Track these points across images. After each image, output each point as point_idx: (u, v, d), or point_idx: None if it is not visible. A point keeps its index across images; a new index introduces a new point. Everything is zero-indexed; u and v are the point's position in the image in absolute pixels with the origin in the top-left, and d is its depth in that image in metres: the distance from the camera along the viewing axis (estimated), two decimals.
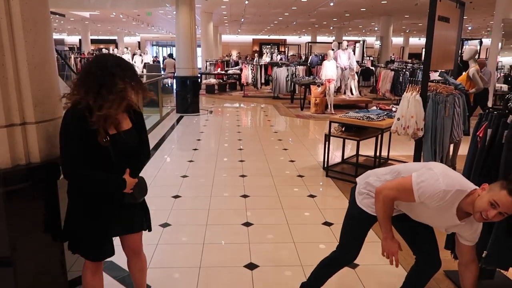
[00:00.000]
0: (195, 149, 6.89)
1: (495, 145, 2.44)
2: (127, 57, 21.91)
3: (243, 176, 5.37)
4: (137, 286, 2.41)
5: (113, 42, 35.21)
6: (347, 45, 11.90)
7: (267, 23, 26.10)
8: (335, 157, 6.21)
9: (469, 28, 25.66)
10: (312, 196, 4.65)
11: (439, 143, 4.16)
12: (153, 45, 40.65)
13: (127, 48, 25.77)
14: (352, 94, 11.77)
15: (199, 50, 14.03)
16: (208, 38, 19.72)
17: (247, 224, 3.85)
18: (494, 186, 1.84)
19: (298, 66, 13.83)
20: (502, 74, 12.64)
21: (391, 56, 22.36)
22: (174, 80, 12.18)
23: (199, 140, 7.74)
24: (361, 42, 18.40)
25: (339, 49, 11.74)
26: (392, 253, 2.06)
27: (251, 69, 15.31)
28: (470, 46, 7.49)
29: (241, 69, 16.13)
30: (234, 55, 28.85)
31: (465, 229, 2.02)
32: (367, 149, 5.85)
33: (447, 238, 2.80)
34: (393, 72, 11.22)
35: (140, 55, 21.57)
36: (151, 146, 6.82)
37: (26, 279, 2.12)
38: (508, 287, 2.92)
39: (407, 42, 33.16)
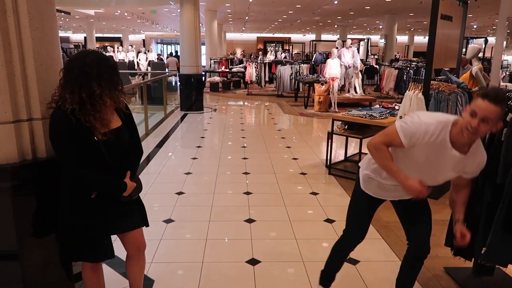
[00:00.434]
0: (199, 147, 6.93)
1: (494, 142, 2.46)
2: (132, 54, 22.05)
3: (246, 173, 5.41)
4: (134, 287, 2.38)
5: (118, 40, 35.29)
6: (351, 43, 11.89)
7: (272, 21, 26.06)
8: (338, 155, 6.24)
9: (474, 26, 25.51)
10: (314, 193, 4.68)
11: None
12: (157, 43, 40.74)
13: (131, 46, 25.90)
14: (356, 92, 11.76)
15: (203, 48, 14.07)
16: (213, 36, 19.75)
17: (250, 221, 3.89)
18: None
19: (302, 64, 13.83)
20: (507, 73, 12.57)
21: (395, 55, 22.28)
22: (178, 78, 12.23)
23: (203, 137, 7.78)
24: (365, 40, 18.35)
25: (343, 47, 11.74)
26: (419, 191, 1.97)
27: (255, 67, 15.33)
28: (473, 45, 7.47)
29: (245, 67, 16.14)
30: (239, 53, 28.91)
31: (470, 162, 1.99)
32: None
33: (447, 235, 2.82)
34: (397, 71, 11.21)
35: (145, 53, 21.64)
36: (156, 144, 6.93)
37: (33, 272, 2.17)
38: (507, 284, 2.93)
39: (412, 40, 32.99)
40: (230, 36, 36.13)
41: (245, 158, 6.14)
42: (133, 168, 2.15)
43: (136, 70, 19.69)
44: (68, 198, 2.02)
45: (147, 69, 19.10)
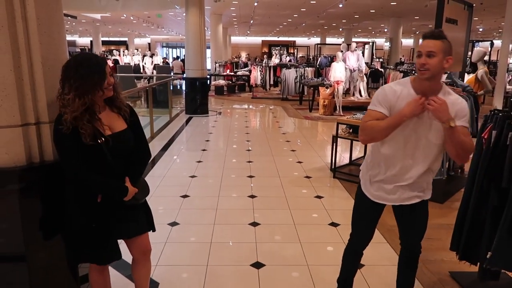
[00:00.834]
0: (204, 150, 6.95)
1: (499, 146, 2.46)
2: (137, 58, 22.19)
3: (251, 176, 5.42)
4: None
5: (124, 43, 35.55)
6: (356, 47, 11.91)
7: (276, 25, 26.14)
8: (343, 158, 6.23)
9: (480, 29, 25.44)
10: (319, 197, 4.68)
11: None
12: (163, 47, 40.97)
13: (137, 49, 26.06)
14: (361, 96, 11.75)
15: (208, 51, 14.12)
16: (218, 40, 19.84)
17: (254, 224, 3.90)
18: None
19: (307, 68, 13.85)
20: None
21: (401, 58, 22.25)
22: (183, 81, 12.28)
23: (207, 141, 7.81)
24: (370, 43, 18.35)
25: (348, 50, 11.75)
26: (416, 104, 1.98)
27: (260, 70, 15.37)
28: (478, 48, 7.46)
29: (250, 71, 16.20)
30: (243, 56, 28.99)
31: (452, 110, 1.99)
32: None
33: (452, 240, 2.82)
34: (402, 74, 11.18)
35: (151, 56, 21.79)
36: (161, 147, 6.96)
37: (39, 274, 2.18)
38: None
39: (417, 43, 32.88)
40: (235, 39, 36.25)
41: (249, 162, 6.15)
42: (137, 172, 2.17)
43: (141, 73, 19.81)
44: (74, 200, 2.05)
45: (152, 73, 19.22)
